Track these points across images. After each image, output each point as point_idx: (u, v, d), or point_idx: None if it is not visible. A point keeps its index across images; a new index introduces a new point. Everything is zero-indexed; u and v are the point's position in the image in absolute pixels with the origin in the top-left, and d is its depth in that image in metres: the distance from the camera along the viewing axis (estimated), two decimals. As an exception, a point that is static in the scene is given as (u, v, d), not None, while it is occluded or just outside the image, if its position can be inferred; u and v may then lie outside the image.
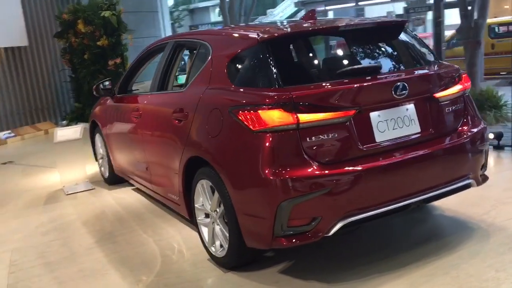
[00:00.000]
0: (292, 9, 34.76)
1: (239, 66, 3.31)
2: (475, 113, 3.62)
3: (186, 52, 4.78)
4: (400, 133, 3.19)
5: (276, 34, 3.25)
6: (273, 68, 3.04)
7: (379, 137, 3.10)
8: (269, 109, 2.89)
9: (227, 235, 3.30)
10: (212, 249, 3.56)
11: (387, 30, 3.67)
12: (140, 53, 5.09)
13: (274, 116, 2.87)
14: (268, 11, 42.89)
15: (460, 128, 3.47)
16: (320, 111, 2.92)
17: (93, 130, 6.17)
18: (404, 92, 3.13)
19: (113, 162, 5.67)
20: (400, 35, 3.64)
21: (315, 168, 2.88)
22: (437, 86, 3.35)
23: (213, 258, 3.57)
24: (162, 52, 4.52)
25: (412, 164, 3.14)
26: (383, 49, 3.57)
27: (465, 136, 3.42)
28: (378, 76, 3.15)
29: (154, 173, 4.45)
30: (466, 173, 3.40)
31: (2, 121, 10.78)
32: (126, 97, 5.05)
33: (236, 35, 3.54)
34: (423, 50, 3.64)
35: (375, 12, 43.16)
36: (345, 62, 3.44)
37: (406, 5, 19.59)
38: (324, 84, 3.04)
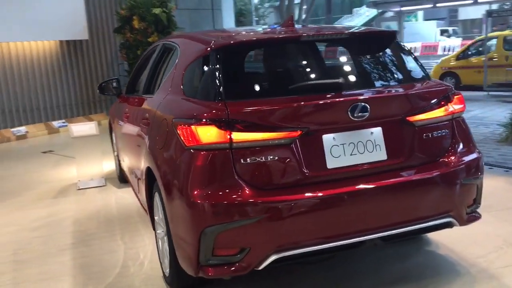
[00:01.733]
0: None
1: (192, 75, 3.09)
2: (467, 140, 3.12)
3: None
4: (360, 160, 2.80)
5: (231, 42, 2.98)
6: (218, 80, 2.79)
7: (331, 163, 2.75)
8: (202, 124, 2.64)
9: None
10: (163, 267, 3.37)
11: (369, 42, 3.28)
12: (145, 53, 5.01)
13: (206, 133, 2.62)
14: (354, 10, 41.92)
15: (444, 158, 3.00)
16: (258, 131, 2.63)
17: (111, 127, 6.22)
18: (364, 114, 2.75)
19: (120, 160, 5.67)
20: (383, 49, 3.23)
21: (247, 193, 2.60)
22: (413, 108, 2.92)
23: (164, 276, 3.39)
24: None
25: (370, 195, 2.75)
26: (356, 63, 3.18)
27: (448, 167, 2.95)
28: (334, 95, 2.79)
29: (132, 179, 4.35)
30: (445, 210, 2.95)
31: (60, 111, 11.28)
32: (126, 97, 5.00)
33: (198, 40, 3.30)
34: (410, 66, 3.19)
35: (470, 12, 40.76)
36: (305, 76, 3.09)
37: (488, 9, 18.25)
38: (266, 100, 2.74)
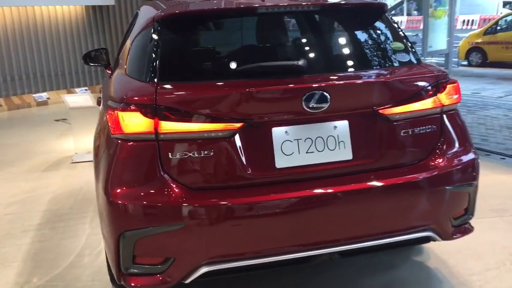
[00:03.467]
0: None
1: (136, 50, 2.66)
2: (461, 139, 2.58)
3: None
4: (318, 159, 2.34)
5: (176, 12, 2.53)
6: (154, 57, 2.36)
7: (281, 162, 2.30)
8: (127, 110, 2.24)
9: None
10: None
11: (350, 17, 2.74)
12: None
13: (130, 121, 2.22)
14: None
15: (427, 160, 2.49)
16: (190, 120, 2.20)
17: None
18: (322, 104, 2.27)
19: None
20: (365, 25, 2.69)
21: (173, 194, 2.20)
22: (389, 98, 2.40)
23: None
24: None
25: (326, 202, 2.30)
26: (329, 43, 2.68)
27: (430, 170, 2.44)
28: (285, 80, 2.31)
29: None
30: (422, 223, 2.45)
31: (85, 77, 11.14)
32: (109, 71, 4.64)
33: (152, 9, 2.85)
34: (395, 47, 2.65)
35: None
36: (257, 57, 2.59)
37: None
38: (203, 84, 2.30)
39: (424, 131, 2.47)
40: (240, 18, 2.74)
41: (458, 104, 2.61)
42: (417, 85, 2.47)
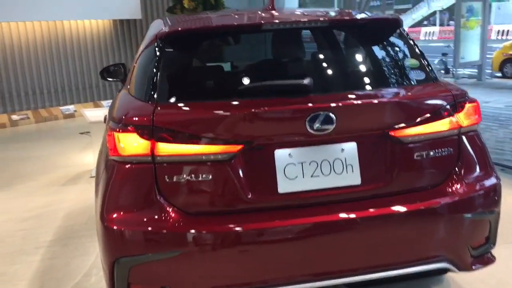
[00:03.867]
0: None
1: (140, 68, 2.60)
2: (481, 162, 2.41)
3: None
4: (324, 184, 2.21)
5: (179, 29, 2.45)
6: (156, 75, 2.29)
7: (284, 186, 2.18)
8: (124, 131, 2.16)
9: None
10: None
11: (363, 32, 2.61)
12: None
13: (127, 141, 2.15)
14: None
15: (443, 185, 2.33)
16: (188, 142, 2.11)
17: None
18: (327, 126, 2.14)
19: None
20: (378, 41, 2.56)
21: (170, 220, 2.11)
22: (401, 119, 2.25)
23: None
24: None
25: (333, 230, 2.17)
26: (340, 60, 2.55)
27: (447, 196, 2.28)
28: (289, 99, 2.19)
29: None
30: (437, 253, 2.29)
31: (110, 90, 11.26)
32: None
33: (159, 25, 2.78)
34: (409, 63, 2.51)
35: None
36: (262, 75, 2.48)
37: None
38: (202, 104, 2.20)
39: (440, 154, 2.31)
40: (245, 35, 2.65)
41: (477, 125, 2.44)
42: (433, 104, 2.31)
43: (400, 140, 2.25)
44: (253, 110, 2.13)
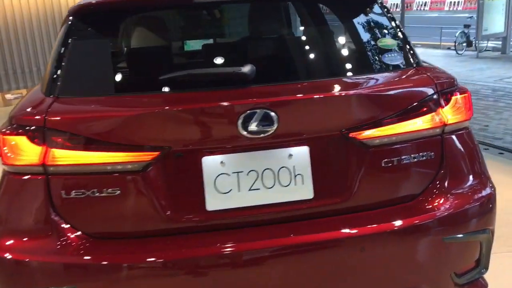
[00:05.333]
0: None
1: (52, 55, 2.12)
2: (470, 169, 1.92)
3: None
4: (266, 199, 1.75)
5: (94, 3, 1.96)
6: (61, 62, 1.84)
7: (214, 202, 1.73)
8: (12, 133, 1.73)
9: None
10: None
11: (321, 4, 2.10)
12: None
13: (15, 147, 1.71)
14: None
15: (420, 198, 1.85)
16: (89, 148, 1.67)
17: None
18: (267, 127, 1.67)
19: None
20: (344, 17, 2.06)
21: (66, 246, 1.68)
22: (367, 117, 1.77)
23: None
24: None
25: (277, 258, 1.73)
26: (288, 41, 2.06)
27: (423, 213, 1.81)
28: (217, 94, 1.73)
29: None
30: (410, 284, 1.83)
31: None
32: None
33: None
34: (384, 44, 1.99)
35: None
36: (203, 62, 2.01)
37: None
38: (111, 99, 1.76)
39: (416, 160, 1.82)
40: (171, 12, 2.15)
41: (468, 122, 1.94)
42: (407, 97, 1.82)
43: (363, 143, 1.77)
44: (171, 107, 1.67)
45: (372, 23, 2.03)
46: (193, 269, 1.69)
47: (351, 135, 1.75)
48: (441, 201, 1.83)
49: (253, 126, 1.66)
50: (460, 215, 1.83)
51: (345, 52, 2.03)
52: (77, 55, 1.86)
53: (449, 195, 1.85)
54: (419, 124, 1.81)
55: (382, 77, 1.88)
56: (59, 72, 1.81)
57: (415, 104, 1.81)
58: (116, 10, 1.97)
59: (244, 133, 1.66)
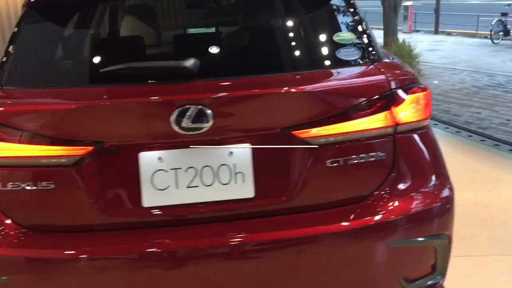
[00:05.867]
0: None
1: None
2: (426, 170, 1.83)
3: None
4: (205, 196, 1.71)
5: None
6: (8, 51, 1.85)
7: (151, 199, 1.70)
8: None
9: None
10: None
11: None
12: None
13: None
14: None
15: (369, 199, 1.77)
16: (23, 141, 1.67)
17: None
18: (202, 124, 1.63)
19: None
20: (294, 9, 1.97)
21: (3, 236, 1.70)
22: (311, 114, 1.70)
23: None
24: None
25: (212, 257, 1.69)
26: (231, 33, 1.98)
27: (372, 215, 1.74)
28: (151, 88, 1.69)
29: None
30: None
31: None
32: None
33: None
34: (339, 38, 1.90)
35: None
36: (147, 55, 1.97)
37: None
38: (48, 91, 1.75)
39: (364, 160, 1.74)
40: (120, 3, 2.11)
41: (427, 121, 1.84)
42: (356, 95, 1.73)
43: (307, 142, 1.70)
44: (103, 101, 1.65)
45: (329, 16, 1.95)
46: (125, 266, 1.67)
47: (294, 133, 1.69)
48: (389, 205, 1.75)
49: (186, 123, 1.62)
50: (408, 220, 1.74)
51: (295, 46, 1.95)
52: (23, 46, 1.86)
53: (399, 198, 1.76)
54: (368, 123, 1.72)
55: (331, 73, 1.80)
56: (5, 62, 1.81)
57: (364, 102, 1.72)
58: (65, 2, 1.96)
59: (178, 129, 1.62)
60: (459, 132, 5.66)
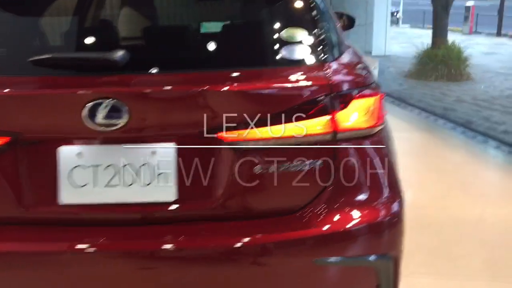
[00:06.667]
0: None
1: None
2: (373, 182, 1.65)
3: None
4: (123, 197, 1.61)
5: None
6: None
7: (68, 196, 1.62)
8: None
9: None
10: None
11: None
12: None
13: None
14: None
15: (303, 212, 1.61)
16: None
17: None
18: (115, 120, 1.53)
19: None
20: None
21: None
22: (239, 117, 1.55)
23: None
24: None
25: (124, 262, 1.60)
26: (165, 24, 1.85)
27: (304, 228, 1.58)
28: (63, 80, 1.60)
29: None
30: None
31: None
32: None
33: None
34: (286, 36, 1.73)
35: None
36: (65, 43, 1.88)
37: None
38: None
39: (296, 169, 1.58)
40: None
41: (377, 128, 1.65)
42: (290, 98, 1.57)
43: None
44: (20, 91, 1.58)
45: (273, 11, 1.79)
46: (36, 263, 1.61)
47: (220, 135, 1.56)
48: (322, 219, 1.58)
49: (99, 118, 1.52)
50: (343, 237, 1.57)
51: (232, 42, 1.81)
52: None
53: (335, 213, 1.59)
54: (303, 128, 1.56)
55: (268, 72, 1.65)
56: None
57: (300, 105, 1.56)
58: None
59: (91, 124, 1.53)
60: (486, 141, 5.37)
